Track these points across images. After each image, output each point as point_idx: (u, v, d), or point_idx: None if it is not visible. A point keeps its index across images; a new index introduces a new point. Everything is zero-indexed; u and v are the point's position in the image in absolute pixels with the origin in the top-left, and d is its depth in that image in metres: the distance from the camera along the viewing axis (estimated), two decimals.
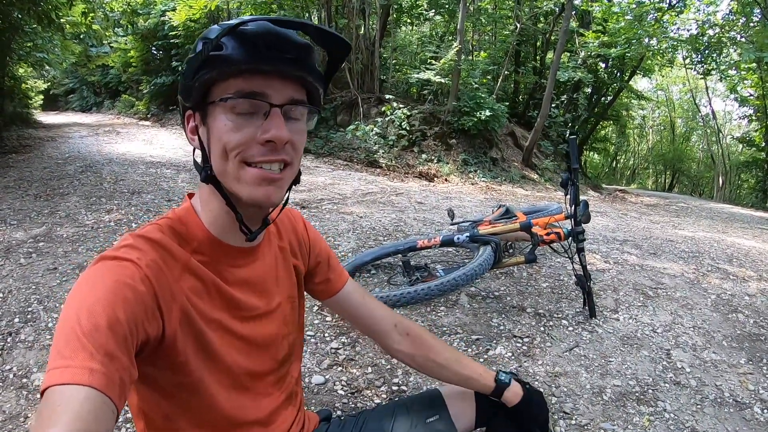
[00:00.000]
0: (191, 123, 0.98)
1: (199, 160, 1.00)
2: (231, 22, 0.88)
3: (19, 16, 8.50)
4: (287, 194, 1.02)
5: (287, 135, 0.91)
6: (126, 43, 17.07)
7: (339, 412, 2.14)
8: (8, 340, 2.59)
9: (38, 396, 2.23)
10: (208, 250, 1.00)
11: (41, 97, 18.80)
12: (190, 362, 0.95)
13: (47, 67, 13.19)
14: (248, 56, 0.86)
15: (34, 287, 3.15)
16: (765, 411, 2.32)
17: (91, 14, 10.19)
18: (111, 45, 17.67)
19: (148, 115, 16.32)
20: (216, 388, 1.00)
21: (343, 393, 2.29)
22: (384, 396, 2.29)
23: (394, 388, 2.34)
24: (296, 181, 1.03)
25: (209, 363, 0.99)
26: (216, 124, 0.91)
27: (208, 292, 0.99)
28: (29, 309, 2.90)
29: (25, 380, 2.31)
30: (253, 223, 1.03)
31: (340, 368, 2.47)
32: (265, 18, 0.88)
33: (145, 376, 0.94)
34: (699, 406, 2.33)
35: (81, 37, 13.75)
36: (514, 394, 1.31)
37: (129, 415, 2.07)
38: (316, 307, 3.01)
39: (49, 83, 20.73)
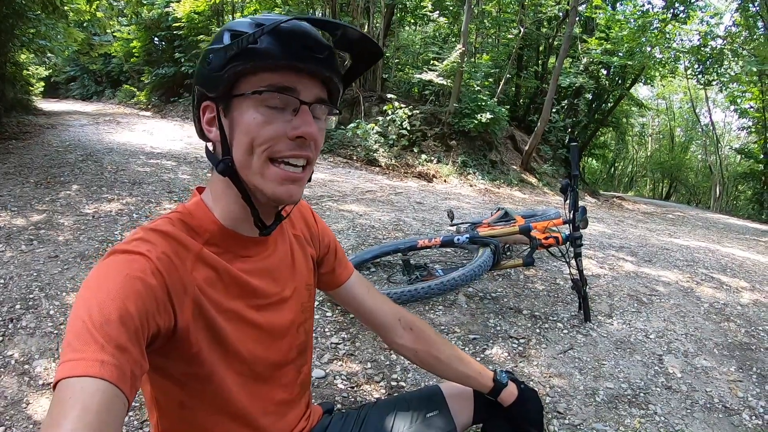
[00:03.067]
0: (208, 114, 0.97)
1: (214, 151, 1.00)
2: (267, 17, 0.90)
3: (23, 1, 8.48)
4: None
5: (317, 131, 0.93)
6: (129, 33, 17.05)
7: (339, 406, 2.17)
8: (9, 326, 2.61)
9: (39, 382, 2.25)
10: (221, 241, 1.01)
11: (42, 84, 18.72)
12: (204, 353, 0.95)
13: (49, 54, 13.13)
14: (284, 52, 0.88)
15: (35, 274, 3.17)
16: (753, 417, 2.37)
17: (96, 2, 10.18)
18: (114, 34, 17.64)
19: (149, 106, 16.29)
20: (230, 378, 1.01)
21: (342, 387, 2.33)
22: (383, 391, 2.33)
23: (393, 383, 2.38)
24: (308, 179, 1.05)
25: (223, 354, 0.99)
26: (244, 117, 0.91)
27: (223, 282, 0.99)
28: (30, 296, 2.91)
29: (26, 366, 2.33)
30: (267, 217, 1.04)
31: (340, 363, 2.51)
32: (302, 17, 0.90)
33: (158, 366, 0.95)
34: (689, 411, 2.37)
35: (84, 25, 13.72)
36: (509, 394, 1.34)
37: (134, 404, 2.10)
38: (317, 302, 3.04)
39: (50, 70, 20.66)
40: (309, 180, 1.04)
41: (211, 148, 1.01)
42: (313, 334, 2.69)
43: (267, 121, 0.91)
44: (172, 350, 0.92)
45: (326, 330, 2.79)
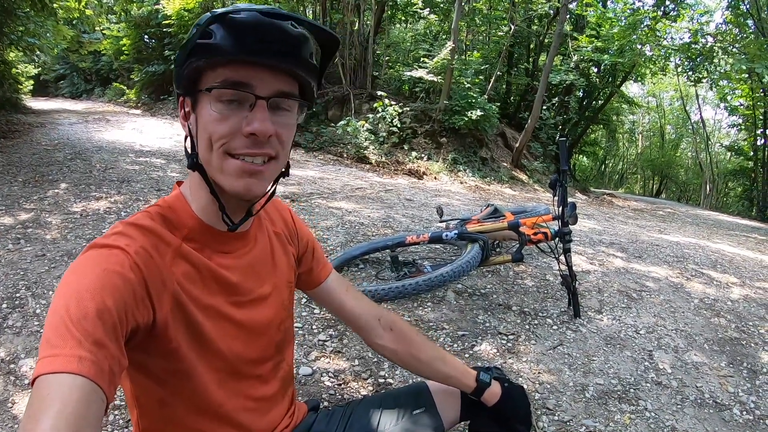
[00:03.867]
0: (184, 108, 0.98)
1: (189, 146, 1.00)
2: (221, 9, 0.88)
3: None
4: (274, 186, 1.03)
5: (271, 129, 0.91)
6: (119, 31, 16.93)
7: (326, 403, 2.16)
8: None
9: (25, 382, 2.23)
10: (199, 236, 1.00)
11: (31, 82, 18.54)
12: (182, 349, 0.95)
13: (38, 53, 13.01)
14: (236, 46, 0.86)
15: (22, 273, 3.14)
16: (744, 413, 2.37)
17: None
18: (103, 32, 17.51)
19: (139, 104, 16.19)
20: (209, 375, 1.00)
21: (330, 384, 2.32)
22: (370, 388, 2.32)
23: (381, 380, 2.37)
24: (285, 173, 1.04)
25: (202, 350, 0.98)
26: (203, 113, 0.91)
27: (202, 278, 0.99)
28: (17, 295, 2.89)
29: (12, 366, 2.32)
30: (238, 213, 1.03)
31: (327, 360, 2.50)
32: (255, 8, 0.88)
33: (137, 363, 0.94)
34: (679, 406, 2.37)
35: (73, 22, 13.62)
36: (492, 394, 1.32)
37: (116, 402, 2.08)
38: (304, 300, 3.02)
39: (39, 68, 20.50)
40: (285, 176, 1.04)
41: (188, 143, 1.00)
42: (301, 332, 2.70)
43: (222, 117, 0.90)
44: (151, 346, 0.92)
45: (313, 327, 2.78)
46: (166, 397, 0.99)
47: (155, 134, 9.96)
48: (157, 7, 14.36)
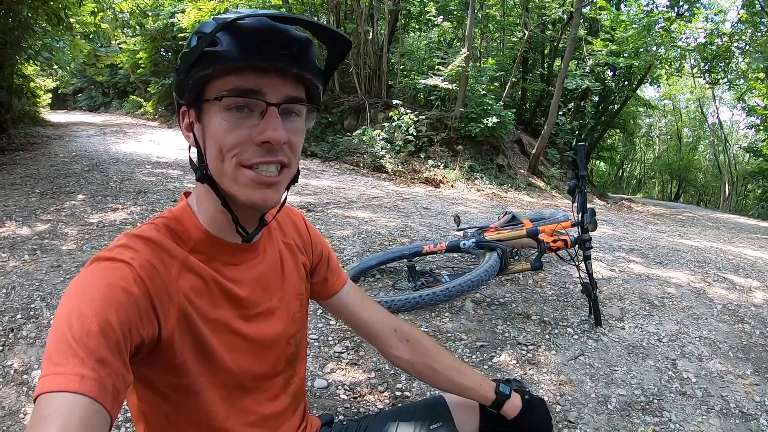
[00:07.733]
0: (186, 120, 0.95)
1: (194, 157, 0.98)
2: (227, 16, 0.85)
3: (29, 14, 8.53)
4: (285, 194, 1.00)
5: (284, 136, 0.89)
6: (135, 44, 17.17)
7: (341, 417, 2.12)
8: (10, 336, 2.60)
9: None
10: (206, 248, 0.98)
11: (49, 95, 18.86)
12: (188, 364, 0.93)
13: (55, 66, 13.22)
14: (244, 53, 0.84)
15: (37, 284, 3.15)
16: None
17: (101, 14, 10.24)
18: (120, 46, 17.77)
19: (156, 116, 16.41)
20: (215, 390, 0.98)
21: (345, 397, 2.28)
22: (387, 401, 2.28)
23: (398, 393, 2.33)
24: (294, 180, 1.01)
25: (208, 365, 0.96)
26: (211, 123, 0.89)
27: (209, 291, 0.97)
28: (32, 305, 2.90)
29: (25, 376, 2.32)
30: (250, 223, 1.00)
31: (342, 372, 2.46)
32: (262, 13, 0.85)
33: (143, 377, 0.93)
34: (705, 417, 2.31)
35: (90, 37, 13.82)
36: (512, 406, 1.29)
37: (129, 415, 2.06)
38: (320, 311, 2.99)
39: (57, 82, 20.83)
40: (295, 182, 1.02)
41: (193, 154, 0.98)
42: (316, 343, 2.67)
43: (232, 127, 0.87)
44: (156, 360, 0.90)
45: (329, 339, 2.74)
46: (171, 413, 0.98)
47: (172, 146, 10.05)
48: (172, 20, 14.52)
